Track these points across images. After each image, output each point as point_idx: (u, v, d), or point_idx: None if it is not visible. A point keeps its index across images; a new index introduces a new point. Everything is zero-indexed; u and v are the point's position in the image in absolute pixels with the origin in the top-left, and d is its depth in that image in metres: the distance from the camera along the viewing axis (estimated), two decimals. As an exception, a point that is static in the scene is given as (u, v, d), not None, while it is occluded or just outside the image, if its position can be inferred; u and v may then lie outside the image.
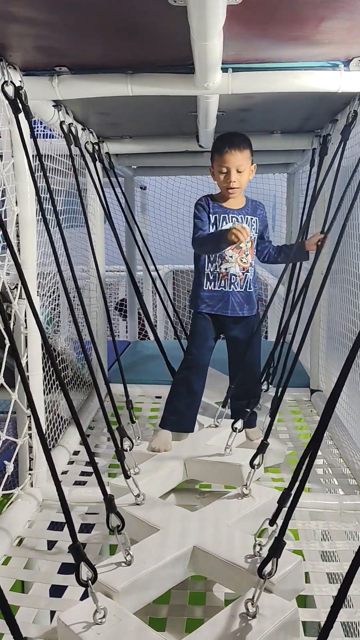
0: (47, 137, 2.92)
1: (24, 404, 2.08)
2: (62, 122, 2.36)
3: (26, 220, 2.10)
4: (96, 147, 2.96)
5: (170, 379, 2.59)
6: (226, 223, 2.36)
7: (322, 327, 3.33)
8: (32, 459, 2.18)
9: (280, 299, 3.60)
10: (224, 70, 1.91)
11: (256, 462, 1.91)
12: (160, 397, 3.34)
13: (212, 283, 2.40)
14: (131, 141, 3.31)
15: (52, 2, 1.44)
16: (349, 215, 2.09)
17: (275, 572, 1.37)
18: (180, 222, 5.79)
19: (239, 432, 2.19)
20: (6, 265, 1.92)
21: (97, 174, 2.91)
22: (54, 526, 2.04)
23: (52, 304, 2.70)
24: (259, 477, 2.11)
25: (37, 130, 2.75)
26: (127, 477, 1.87)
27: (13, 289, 2.06)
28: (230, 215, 2.37)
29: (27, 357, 2.14)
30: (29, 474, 2.18)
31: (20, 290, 2.07)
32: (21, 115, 1.87)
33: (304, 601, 1.75)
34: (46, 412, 2.42)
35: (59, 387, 2.51)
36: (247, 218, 2.40)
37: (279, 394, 2.45)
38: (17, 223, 2.08)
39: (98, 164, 2.96)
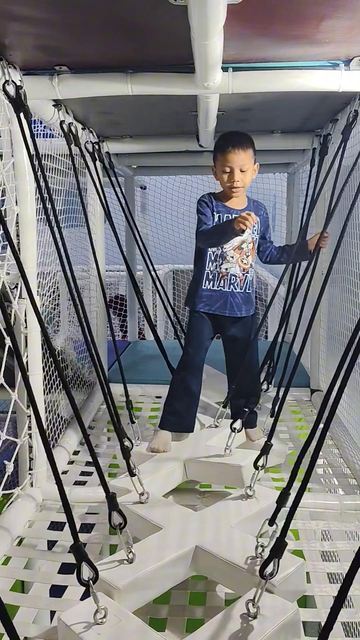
0: (47, 137, 2.91)
1: (24, 403, 2.08)
2: (62, 122, 2.35)
3: (26, 219, 2.10)
4: (96, 146, 2.96)
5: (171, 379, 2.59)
6: None
7: (322, 327, 3.33)
8: (32, 459, 2.18)
9: (281, 299, 3.60)
10: (224, 69, 1.90)
11: (260, 463, 1.90)
12: (160, 397, 3.33)
13: (212, 282, 2.40)
14: (131, 141, 3.31)
15: (52, 0, 1.44)
16: (349, 215, 2.09)
17: (276, 572, 1.37)
18: (181, 222, 5.79)
19: (238, 432, 2.19)
20: (6, 265, 1.92)
21: (97, 173, 2.91)
22: (54, 526, 2.04)
23: (52, 304, 2.70)
24: (260, 478, 2.11)
25: (37, 130, 2.75)
26: (132, 475, 1.87)
27: (13, 288, 2.05)
28: (233, 215, 2.37)
29: (27, 356, 2.14)
30: (29, 473, 2.18)
31: (21, 289, 2.07)
32: (21, 115, 1.87)
33: (304, 601, 1.75)
34: (46, 412, 2.42)
35: (59, 387, 2.52)
36: None
37: (280, 394, 2.46)
38: (17, 223, 2.07)
39: (98, 164, 2.96)
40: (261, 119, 2.83)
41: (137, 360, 4.22)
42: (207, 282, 2.40)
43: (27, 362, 2.14)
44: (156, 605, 1.64)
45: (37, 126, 2.76)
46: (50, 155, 2.56)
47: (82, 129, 2.81)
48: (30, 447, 2.17)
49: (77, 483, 2.38)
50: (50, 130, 2.74)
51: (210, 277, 2.40)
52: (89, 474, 2.46)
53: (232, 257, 2.37)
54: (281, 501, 1.49)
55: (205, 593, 1.73)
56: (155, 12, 1.47)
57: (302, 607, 1.58)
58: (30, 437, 2.15)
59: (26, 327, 2.12)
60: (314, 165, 2.87)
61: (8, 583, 1.73)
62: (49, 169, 2.53)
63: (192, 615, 1.63)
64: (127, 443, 2.03)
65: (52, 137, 2.78)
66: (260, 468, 1.89)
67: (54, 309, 2.94)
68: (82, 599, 1.58)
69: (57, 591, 1.70)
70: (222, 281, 2.39)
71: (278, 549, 1.37)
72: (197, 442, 2.37)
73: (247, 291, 2.43)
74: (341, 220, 2.25)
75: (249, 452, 2.19)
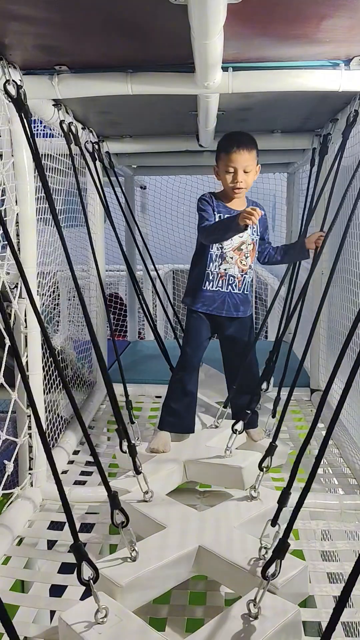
0: (47, 137, 2.91)
1: (23, 403, 2.08)
2: (62, 121, 2.35)
3: (26, 219, 2.09)
4: (96, 146, 2.96)
5: (171, 379, 2.58)
6: None
7: (322, 326, 3.33)
8: (32, 459, 2.18)
9: (281, 299, 3.60)
10: (225, 69, 1.90)
11: (264, 464, 1.88)
12: (159, 397, 3.33)
13: (211, 283, 2.40)
14: (131, 140, 3.30)
15: (52, 0, 1.44)
16: (352, 216, 2.08)
17: (278, 573, 1.37)
18: (180, 221, 5.79)
19: (239, 433, 2.18)
20: (6, 264, 1.92)
21: (97, 173, 2.90)
22: (54, 526, 2.04)
23: (52, 304, 2.70)
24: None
25: (37, 130, 2.75)
26: (137, 472, 1.86)
27: (13, 288, 2.05)
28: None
29: (27, 356, 2.14)
30: (29, 473, 2.18)
31: (21, 289, 2.07)
32: (21, 114, 1.87)
33: (304, 601, 1.75)
34: (46, 412, 2.42)
35: (59, 387, 2.52)
36: None
37: (280, 394, 2.46)
38: (17, 222, 2.07)
39: (98, 164, 2.96)
40: (261, 119, 2.83)
41: (137, 360, 4.22)
42: (207, 282, 2.39)
43: (27, 362, 2.14)
44: (156, 605, 1.64)
45: (37, 126, 2.76)
46: (50, 155, 2.56)
47: (82, 128, 2.80)
48: (30, 447, 2.17)
49: (77, 483, 2.38)
50: (50, 130, 2.74)
51: (211, 277, 2.39)
52: (89, 473, 2.46)
53: (232, 257, 2.37)
54: (282, 501, 1.48)
55: (205, 593, 1.73)
56: (155, 11, 1.47)
57: (302, 607, 1.58)
58: (30, 437, 2.15)
59: (26, 327, 2.12)
60: (314, 165, 2.86)
61: (8, 583, 1.73)
62: (49, 168, 2.53)
63: (192, 615, 1.63)
64: (126, 443, 2.03)
65: (52, 136, 2.78)
66: (265, 470, 1.89)
67: (54, 309, 2.94)
68: (82, 598, 1.58)
69: (57, 591, 1.70)
70: (220, 281, 2.39)
71: (280, 549, 1.37)
72: (197, 442, 2.36)
73: (245, 292, 2.43)
74: (343, 221, 2.25)
75: (250, 453, 2.19)
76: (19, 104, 1.83)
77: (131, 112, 2.72)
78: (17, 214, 2.06)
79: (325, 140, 2.74)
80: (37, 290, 2.28)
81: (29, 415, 2.11)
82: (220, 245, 2.36)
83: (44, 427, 2.32)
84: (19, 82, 1.84)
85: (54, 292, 2.67)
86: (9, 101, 1.83)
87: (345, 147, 2.35)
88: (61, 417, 2.70)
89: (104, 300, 2.68)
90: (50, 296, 2.59)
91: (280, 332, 2.56)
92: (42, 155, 2.00)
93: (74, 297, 3.20)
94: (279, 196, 4.99)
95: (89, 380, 3.42)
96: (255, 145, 2.29)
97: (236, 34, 1.62)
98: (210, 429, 2.50)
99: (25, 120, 1.85)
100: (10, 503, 2.07)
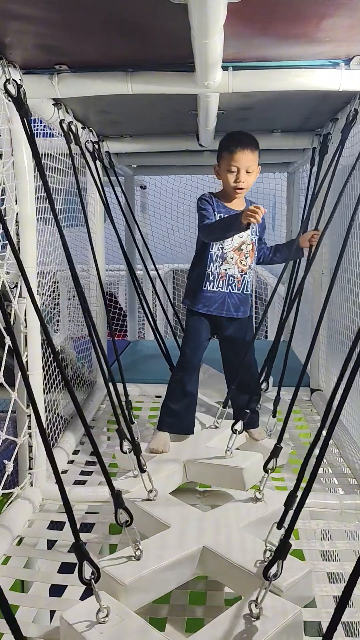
0: (47, 136, 2.91)
1: (23, 403, 2.07)
2: (62, 121, 2.35)
3: (26, 219, 2.09)
4: (96, 145, 2.95)
5: (171, 378, 2.58)
6: None
7: (322, 326, 3.32)
8: (32, 459, 2.18)
9: (280, 299, 3.60)
10: (225, 68, 1.90)
11: (270, 466, 1.88)
12: (159, 397, 3.33)
13: (212, 283, 2.39)
14: (131, 140, 3.30)
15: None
16: (354, 216, 2.08)
17: (280, 573, 1.37)
18: (180, 221, 5.79)
19: (239, 434, 2.18)
20: (6, 264, 1.92)
21: (97, 172, 2.90)
22: (54, 526, 2.04)
23: (52, 303, 2.70)
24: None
25: (37, 129, 2.75)
26: (142, 471, 1.86)
27: (13, 287, 2.05)
28: None
29: (27, 356, 2.14)
30: (29, 473, 2.18)
31: (21, 289, 2.07)
32: (21, 114, 1.87)
33: (304, 601, 1.75)
34: (46, 412, 2.41)
35: (59, 387, 2.52)
36: None
37: (282, 395, 2.46)
38: (17, 222, 2.07)
39: (98, 163, 2.96)
40: (261, 118, 2.82)
41: (137, 359, 4.22)
42: (207, 283, 2.39)
43: (26, 361, 2.14)
44: (156, 605, 1.63)
45: (37, 125, 2.76)
46: (50, 154, 2.56)
47: (82, 128, 2.80)
48: (30, 446, 2.17)
49: (76, 483, 2.38)
50: (50, 129, 2.74)
51: (211, 278, 2.39)
52: (89, 473, 2.46)
53: (232, 258, 2.37)
54: (289, 504, 1.47)
55: (206, 593, 1.73)
56: (156, 11, 1.47)
57: (302, 607, 1.58)
58: (30, 436, 2.15)
59: (26, 327, 2.12)
60: (314, 165, 2.86)
61: (8, 582, 1.73)
62: (49, 168, 2.53)
63: (192, 615, 1.63)
64: (126, 443, 2.03)
65: (52, 136, 2.78)
66: (270, 471, 1.88)
67: (54, 308, 2.94)
68: (82, 598, 1.58)
69: (56, 591, 1.70)
70: (221, 282, 2.39)
71: (282, 550, 1.37)
72: (197, 443, 2.36)
73: (244, 292, 2.43)
74: (343, 220, 2.24)
75: (250, 453, 2.18)
76: (19, 103, 1.82)
77: (131, 112, 2.71)
78: (17, 214, 2.06)
79: (325, 139, 2.74)
80: (37, 290, 2.28)
81: (29, 415, 2.11)
82: (221, 246, 2.35)
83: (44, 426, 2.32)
84: (18, 82, 1.83)
85: (53, 291, 2.67)
86: (9, 100, 1.83)
87: (345, 146, 2.35)
88: (61, 417, 2.70)
89: (103, 300, 2.68)
90: (50, 296, 2.59)
91: (280, 332, 2.56)
92: (42, 154, 2.00)
93: (74, 296, 3.20)
94: (279, 196, 4.98)
95: (89, 380, 3.42)
96: (257, 146, 2.29)
97: (236, 34, 1.62)
98: (210, 429, 2.49)
99: (25, 120, 1.85)
100: (10, 503, 2.07)
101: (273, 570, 1.36)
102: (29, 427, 2.14)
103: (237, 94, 2.01)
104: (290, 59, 1.93)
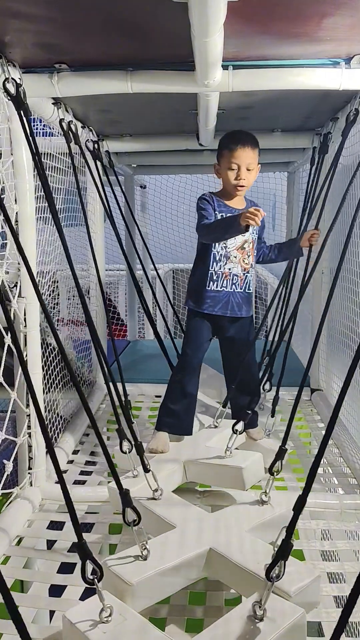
0: (46, 135, 2.91)
1: (23, 402, 2.07)
2: (61, 120, 2.35)
3: (26, 218, 2.09)
4: (96, 145, 2.95)
5: (171, 378, 2.58)
6: None
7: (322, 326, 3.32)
8: (32, 458, 2.17)
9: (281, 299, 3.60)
10: (225, 67, 1.90)
11: (275, 468, 1.86)
12: (159, 397, 3.32)
13: (215, 283, 2.38)
14: (131, 139, 3.30)
15: (52, -2, 1.44)
16: (356, 215, 2.07)
17: (282, 574, 1.36)
18: (180, 221, 5.78)
19: (239, 434, 2.17)
20: (5, 264, 1.91)
21: (97, 172, 2.90)
22: (53, 526, 2.03)
23: (51, 303, 2.70)
24: (260, 478, 2.10)
25: (37, 128, 2.75)
26: (146, 470, 1.85)
27: (12, 287, 2.05)
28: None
29: (26, 355, 2.13)
30: (29, 473, 2.17)
31: (20, 288, 2.06)
32: (21, 113, 1.86)
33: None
34: (45, 412, 2.41)
35: (58, 386, 2.52)
36: None
37: (279, 394, 2.46)
38: (16, 221, 2.07)
39: (98, 163, 2.95)
40: (261, 117, 2.82)
41: (137, 359, 4.21)
42: (210, 282, 2.38)
43: (26, 361, 2.13)
44: (156, 605, 1.63)
45: (37, 124, 2.75)
46: (50, 153, 2.56)
47: (81, 127, 2.80)
48: (30, 446, 2.16)
49: (76, 482, 2.37)
50: (50, 128, 2.74)
51: (215, 277, 2.38)
52: (89, 473, 2.45)
53: (235, 257, 2.37)
54: (298, 508, 1.46)
55: (205, 593, 1.72)
56: (156, 9, 1.47)
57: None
58: (30, 436, 2.15)
59: (25, 326, 2.11)
60: (314, 164, 2.86)
61: (7, 583, 1.71)
62: (49, 167, 2.52)
63: (192, 615, 1.63)
64: (126, 443, 2.03)
65: (52, 135, 2.78)
66: (275, 474, 1.86)
67: (54, 308, 2.94)
68: (81, 598, 1.57)
69: (56, 591, 1.69)
70: (224, 281, 2.38)
71: (284, 550, 1.36)
72: (196, 443, 2.35)
73: (247, 291, 2.42)
74: (343, 220, 2.24)
75: (250, 453, 2.18)
76: (19, 102, 1.82)
77: (131, 111, 2.71)
78: (17, 213, 2.06)
79: (326, 139, 2.73)
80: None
81: (29, 415, 2.10)
82: (225, 245, 2.35)
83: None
84: (18, 80, 1.83)
85: (53, 291, 2.66)
86: (9, 99, 1.82)
87: (345, 145, 2.35)
88: (60, 417, 2.69)
89: (103, 300, 2.68)
90: (49, 295, 2.58)
91: (279, 331, 2.56)
92: (41, 154, 1.99)
93: (73, 296, 3.20)
94: (279, 195, 4.98)
95: (89, 380, 3.41)
96: (257, 144, 2.29)
97: (236, 32, 1.62)
98: (209, 429, 2.49)
99: (24, 119, 1.84)
100: (10, 503, 2.07)
101: (275, 571, 1.36)
102: (29, 427, 2.13)
103: (237, 93, 2.01)
104: (291, 57, 1.93)
